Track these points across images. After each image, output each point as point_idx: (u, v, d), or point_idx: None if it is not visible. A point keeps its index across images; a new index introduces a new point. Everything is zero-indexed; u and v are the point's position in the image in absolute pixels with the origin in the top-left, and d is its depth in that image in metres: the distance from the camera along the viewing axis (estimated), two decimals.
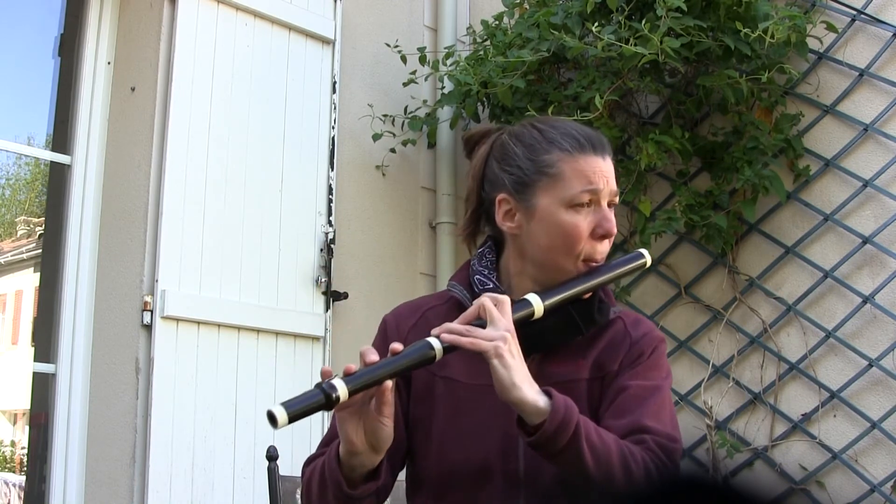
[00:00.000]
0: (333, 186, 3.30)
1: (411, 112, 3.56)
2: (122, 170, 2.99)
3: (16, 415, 3.40)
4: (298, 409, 1.32)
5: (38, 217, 3.35)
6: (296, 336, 3.11)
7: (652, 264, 3.31)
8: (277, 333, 3.06)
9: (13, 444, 3.36)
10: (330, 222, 3.27)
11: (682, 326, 3.29)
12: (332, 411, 1.40)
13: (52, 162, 3.05)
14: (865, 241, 3.00)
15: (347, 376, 1.38)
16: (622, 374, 1.56)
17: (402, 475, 1.67)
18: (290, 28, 3.28)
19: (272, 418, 1.30)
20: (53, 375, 2.88)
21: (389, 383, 1.40)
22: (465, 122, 3.59)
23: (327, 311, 3.21)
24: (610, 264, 1.60)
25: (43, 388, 2.91)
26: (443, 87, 3.52)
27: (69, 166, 3.01)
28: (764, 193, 3.06)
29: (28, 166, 3.33)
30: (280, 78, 3.23)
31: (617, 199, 1.59)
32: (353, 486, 1.46)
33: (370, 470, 1.48)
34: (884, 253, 2.97)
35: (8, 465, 3.27)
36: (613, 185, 1.57)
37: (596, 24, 2.89)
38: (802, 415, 3.04)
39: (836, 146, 3.10)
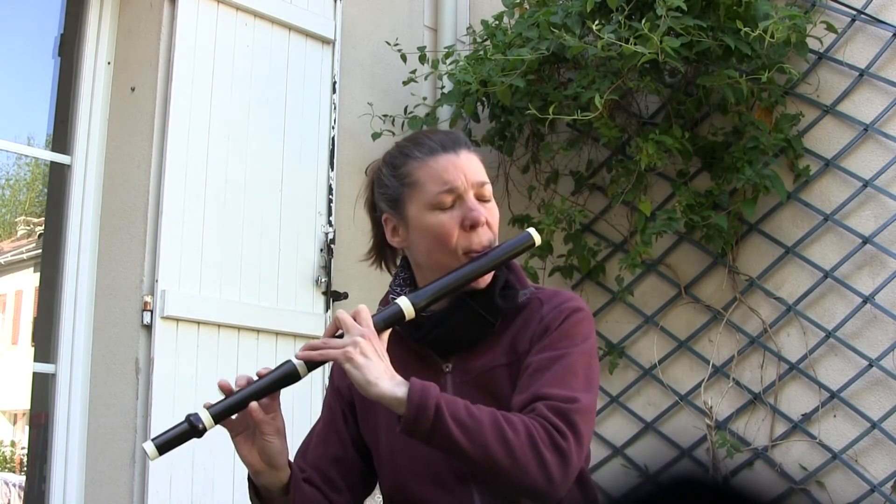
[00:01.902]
0: (333, 186, 3.30)
1: (411, 112, 3.56)
2: (122, 170, 2.99)
3: (16, 415, 3.40)
4: (166, 441, 1.46)
5: (38, 217, 3.35)
6: (296, 336, 3.11)
7: (652, 264, 3.34)
8: (277, 333, 3.06)
9: (13, 444, 3.35)
10: (330, 222, 3.27)
11: (682, 326, 3.29)
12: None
13: (52, 162, 3.05)
14: (865, 241, 3.00)
15: (215, 405, 1.49)
16: (531, 352, 1.58)
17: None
18: (290, 28, 3.28)
19: (145, 452, 1.45)
20: (53, 375, 2.88)
21: (255, 404, 1.49)
22: (465, 121, 3.59)
23: (327, 311, 3.21)
24: (494, 249, 1.61)
25: (43, 388, 2.91)
26: (442, 87, 3.52)
27: (69, 166, 3.00)
28: (764, 193, 3.06)
29: (28, 166, 3.33)
30: (280, 78, 3.23)
31: (486, 189, 1.63)
32: (270, 502, 1.57)
33: (283, 486, 1.57)
34: (884, 253, 2.97)
35: (8, 465, 3.27)
36: (476, 177, 1.61)
37: (596, 23, 2.89)
38: (802, 415, 3.04)
39: (836, 146, 3.10)
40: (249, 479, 1.59)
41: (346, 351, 1.46)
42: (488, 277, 1.62)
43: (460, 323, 1.61)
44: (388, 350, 1.54)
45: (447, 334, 1.62)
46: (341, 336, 1.51)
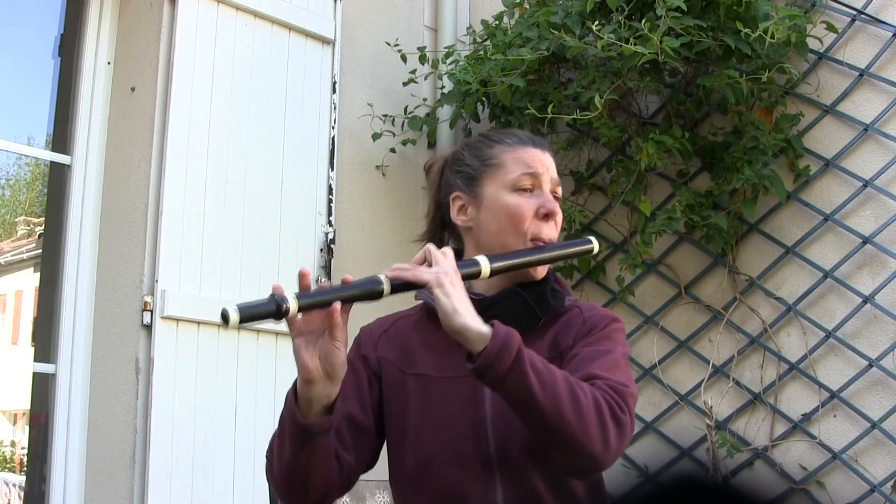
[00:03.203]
0: (333, 186, 3.30)
1: (411, 112, 3.56)
2: (122, 170, 2.99)
3: (16, 415, 3.40)
4: (250, 313, 1.42)
5: (38, 217, 3.35)
6: None
7: (652, 264, 3.34)
8: (277, 334, 3.06)
9: (13, 444, 3.36)
10: (330, 222, 3.27)
11: (682, 326, 3.29)
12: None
13: (52, 162, 3.05)
14: (865, 241, 3.00)
15: (300, 293, 1.46)
16: (575, 346, 1.63)
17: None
18: (290, 28, 3.28)
19: (225, 317, 1.39)
20: (53, 375, 2.88)
21: (338, 305, 1.46)
22: (465, 121, 3.59)
23: None
24: (557, 244, 1.69)
25: (43, 388, 2.91)
26: (442, 87, 3.52)
27: (69, 166, 3.00)
28: (764, 193, 3.06)
29: (28, 166, 3.33)
30: (280, 78, 3.23)
31: (559, 190, 1.71)
32: (309, 418, 1.51)
33: (327, 405, 1.52)
34: (884, 253, 2.97)
35: (8, 465, 3.27)
36: (554, 175, 1.70)
37: (596, 23, 2.89)
38: (802, 415, 3.04)
39: (836, 146, 3.10)
40: (294, 392, 1.53)
41: (439, 276, 1.48)
42: (543, 272, 1.68)
43: (509, 311, 1.63)
44: (430, 330, 1.57)
45: (493, 320, 1.62)
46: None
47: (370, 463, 1.69)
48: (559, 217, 1.69)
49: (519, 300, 1.64)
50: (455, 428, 1.61)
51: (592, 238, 1.74)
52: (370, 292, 1.49)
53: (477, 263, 1.58)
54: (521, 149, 1.69)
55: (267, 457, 1.61)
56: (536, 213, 1.65)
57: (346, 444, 1.62)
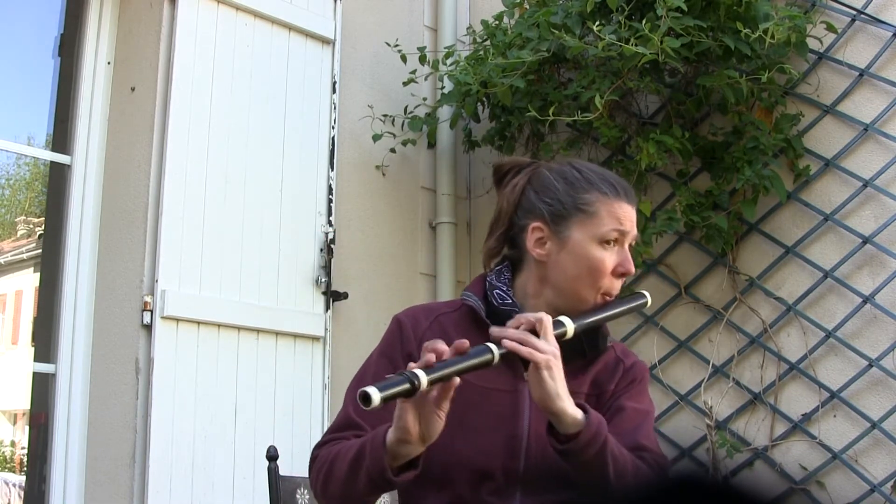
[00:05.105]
0: (333, 186, 3.30)
1: (411, 112, 3.56)
2: (122, 170, 2.99)
3: (16, 415, 3.40)
4: (389, 393, 1.43)
5: (38, 217, 3.35)
6: (296, 336, 3.11)
7: (652, 264, 3.34)
8: (277, 333, 3.06)
9: (13, 444, 3.36)
10: (330, 222, 3.27)
11: (682, 326, 3.29)
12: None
13: (52, 162, 3.05)
14: (865, 241, 3.00)
15: (427, 368, 1.47)
16: (618, 395, 1.71)
17: None
18: (290, 28, 3.28)
19: (366, 398, 1.41)
20: (53, 375, 2.88)
21: (457, 380, 1.49)
22: (465, 121, 3.59)
23: (327, 311, 3.21)
24: (618, 300, 1.73)
25: (43, 388, 2.91)
26: (443, 87, 3.52)
27: (69, 166, 3.00)
28: (764, 193, 3.06)
29: (28, 166, 3.33)
30: (280, 78, 3.23)
31: (634, 242, 1.74)
32: (395, 474, 1.53)
33: (410, 460, 1.54)
34: (884, 253, 2.97)
35: (8, 465, 3.27)
36: (635, 231, 1.72)
37: (596, 23, 2.89)
38: (802, 415, 3.04)
39: (836, 146, 3.10)
40: (382, 441, 1.53)
41: (549, 359, 1.52)
42: None
43: (564, 346, 1.63)
44: (473, 334, 1.59)
45: (582, 402, 1.65)
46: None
47: None
48: None
49: (574, 339, 1.66)
50: (488, 440, 1.63)
51: (646, 293, 1.81)
52: (483, 363, 1.52)
53: (563, 325, 1.62)
54: (616, 203, 1.69)
55: (318, 471, 1.62)
56: (614, 270, 1.68)
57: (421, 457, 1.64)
